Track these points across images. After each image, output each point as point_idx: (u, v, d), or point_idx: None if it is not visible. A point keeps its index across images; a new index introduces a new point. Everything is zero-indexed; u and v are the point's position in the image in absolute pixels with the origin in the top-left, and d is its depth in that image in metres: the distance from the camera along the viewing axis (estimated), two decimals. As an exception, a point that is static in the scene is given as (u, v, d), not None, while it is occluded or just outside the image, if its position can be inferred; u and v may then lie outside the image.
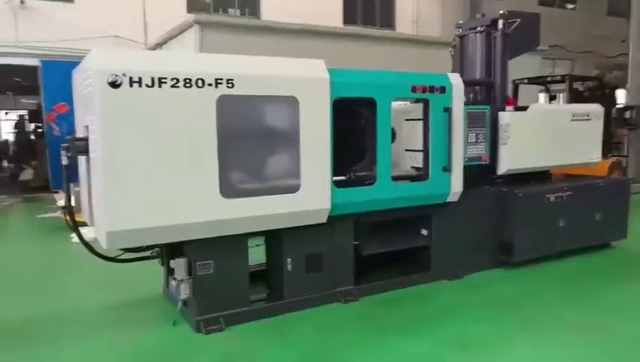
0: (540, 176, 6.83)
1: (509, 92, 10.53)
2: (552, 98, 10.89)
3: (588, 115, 6.84)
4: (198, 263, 4.34)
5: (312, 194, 4.53)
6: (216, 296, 4.43)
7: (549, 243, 6.24)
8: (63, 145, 4.21)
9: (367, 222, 5.29)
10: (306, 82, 4.40)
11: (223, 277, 4.44)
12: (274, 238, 4.87)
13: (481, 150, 5.67)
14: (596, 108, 6.99)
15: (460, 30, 6.77)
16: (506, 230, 6.03)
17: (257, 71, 4.21)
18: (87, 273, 5.82)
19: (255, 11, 16.34)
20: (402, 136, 5.83)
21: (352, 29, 14.02)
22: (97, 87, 3.61)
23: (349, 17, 17.89)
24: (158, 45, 12.11)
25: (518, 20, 6.36)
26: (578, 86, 11.40)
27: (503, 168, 6.17)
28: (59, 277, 6.00)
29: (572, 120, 6.67)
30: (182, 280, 4.36)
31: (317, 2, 16.74)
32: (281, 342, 4.24)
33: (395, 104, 5.75)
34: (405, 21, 19.13)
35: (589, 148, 6.90)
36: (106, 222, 3.74)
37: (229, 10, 16.11)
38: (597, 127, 6.97)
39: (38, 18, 13.39)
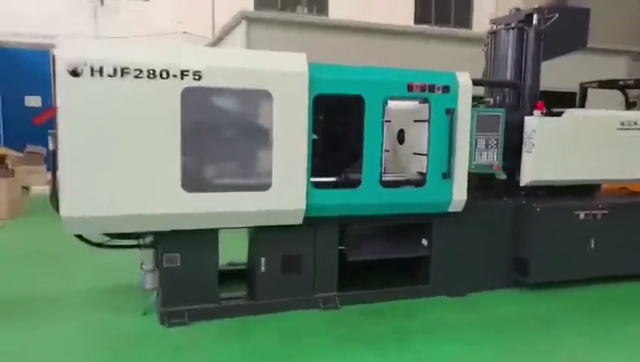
0: (584, 190, 6.11)
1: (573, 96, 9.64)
2: (630, 105, 9.77)
3: (641, 124, 6.00)
4: (164, 255, 4.33)
5: (285, 193, 4.34)
6: (182, 289, 4.40)
7: (576, 267, 5.54)
8: (50, 131, 4.38)
9: (357, 226, 5.03)
10: (281, 76, 4.22)
11: (190, 271, 4.40)
12: (252, 237, 4.76)
13: (492, 157, 5.15)
14: (652, 117, 6.10)
15: (495, 26, 6.22)
16: (522, 247, 5.44)
17: (227, 63, 4.11)
18: (92, 257, 5.94)
19: (323, 9, 16.31)
20: (411, 139, 5.47)
21: (413, 27, 13.45)
22: (58, 76, 3.70)
23: (421, 16, 17.30)
24: (218, 40, 12.44)
25: (556, 16, 5.72)
26: (662, 92, 10.12)
27: (526, 179, 5.58)
28: (63, 260, 6.23)
29: (620, 128, 5.88)
30: (149, 270, 4.39)
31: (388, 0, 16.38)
32: (238, 342, 4.11)
33: (404, 104, 5.45)
34: (483, 20, 18.09)
35: (638, 160, 6.04)
36: (62, 208, 3.83)
37: (298, 7, 16.20)
38: (653, 138, 6.09)
39: (115, 15, 14.30)
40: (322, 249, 4.81)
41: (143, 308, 4.58)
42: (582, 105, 9.65)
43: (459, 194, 4.97)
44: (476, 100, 6.30)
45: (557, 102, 9.68)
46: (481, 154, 5.10)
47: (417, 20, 17.04)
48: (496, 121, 5.12)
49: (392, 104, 5.80)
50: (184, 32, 14.79)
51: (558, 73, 12.55)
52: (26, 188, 10.29)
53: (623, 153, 5.90)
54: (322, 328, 4.43)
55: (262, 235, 4.61)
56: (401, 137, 5.65)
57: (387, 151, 5.90)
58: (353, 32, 10.67)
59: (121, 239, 4.70)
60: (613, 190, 7.21)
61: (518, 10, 6.03)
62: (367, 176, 4.64)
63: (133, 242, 4.61)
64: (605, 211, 5.59)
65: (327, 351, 4.02)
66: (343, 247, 4.96)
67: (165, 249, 4.34)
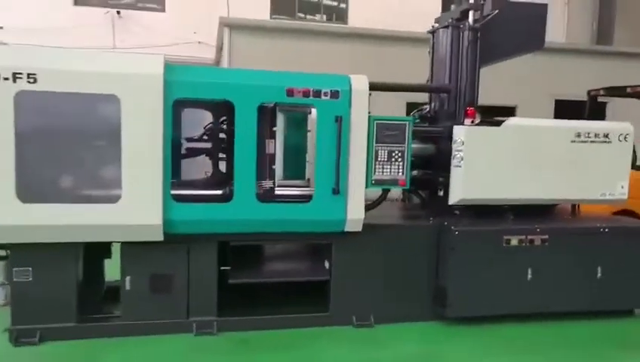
0: (542, 210, 5.32)
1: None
2: (651, 115, 8.59)
3: (606, 136, 5.12)
4: (14, 269, 4.10)
5: (137, 206, 3.98)
6: (35, 306, 4.14)
7: (508, 300, 4.75)
8: None
9: (241, 245, 4.58)
10: (131, 80, 3.88)
11: (44, 287, 4.13)
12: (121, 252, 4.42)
13: (396, 171, 4.52)
14: (621, 128, 5.20)
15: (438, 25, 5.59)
16: (441, 275, 4.75)
17: (68, 66, 3.82)
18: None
19: (343, 17, 15.89)
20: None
21: (412, 32, 12.47)
22: None
23: (447, 22, 16.41)
24: (219, 49, 12.40)
25: (495, 12, 5.01)
26: (686, 101, 8.84)
27: (455, 196, 4.91)
28: None
29: (574, 141, 5.05)
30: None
31: (411, 8, 15.66)
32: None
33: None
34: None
35: (604, 179, 5.16)
36: None
37: (317, 15, 15.92)
38: (622, 152, 5.18)
39: (133, 26, 14.63)
40: (197, 269, 4.39)
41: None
42: (591, 116, 8.63)
43: (354, 212, 4.39)
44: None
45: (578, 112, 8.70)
46: (382, 168, 4.49)
47: (442, 26, 16.16)
48: (402, 131, 4.49)
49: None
50: (199, 42, 14.89)
51: (583, 81, 11.41)
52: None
53: (577, 168, 5.06)
54: (178, 357, 4.02)
55: (127, 251, 4.28)
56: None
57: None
58: (341, 38, 10.23)
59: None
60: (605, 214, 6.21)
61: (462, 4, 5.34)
62: (239, 189, 4.20)
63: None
64: (545, 237, 4.77)
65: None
66: (227, 267, 4.53)
67: (15, 262, 4.11)
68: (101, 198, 3.98)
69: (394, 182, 4.53)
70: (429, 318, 4.81)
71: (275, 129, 4.45)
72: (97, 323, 4.35)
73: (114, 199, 3.96)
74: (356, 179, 4.37)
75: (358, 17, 15.41)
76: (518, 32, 5.26)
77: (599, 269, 4.91)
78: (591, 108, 8.71)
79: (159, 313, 4.36)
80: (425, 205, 5.64)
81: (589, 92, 8.72)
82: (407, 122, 4.51)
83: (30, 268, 4.11)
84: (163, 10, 14.91)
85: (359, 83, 4.33)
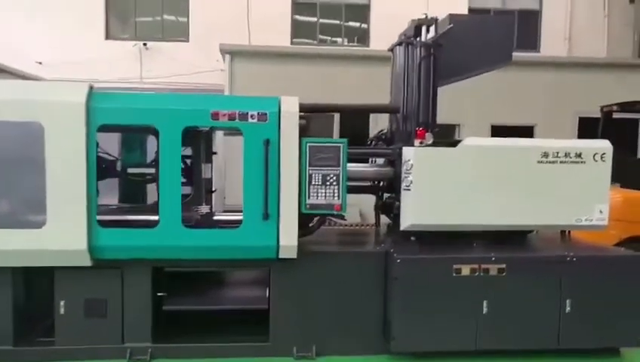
0: (513, 237, 4.93)
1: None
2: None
3: (578, 156, 4.70)
4: (-50, 293, 4.23)
5: (62, 232, 4.01)
6: (-28, 329, 4.25)
7: (462, 336, 4.37)
8: None
9: (183, 271, 4.52)
10: (53, 107, 3.96)
11: (-21, 311, 4.24)
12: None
13: (331, 195, 4.32)
14: (597, 146, 4.76)
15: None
16: (387, 307, 4.47)
17: (-8, 95, 3.96)
18: None
19: (364, 39, 15.82)
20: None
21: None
22: None
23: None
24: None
25: (450, 26, 4.75)
26: None
27: (406, 222, 4.64)
28: None
29: (541, 161, 4.66)
30: (-61, 307, 4.30)
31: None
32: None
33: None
34: (554, 39, 16.20)
35: (578, 203, 4.72)
36: None
37: (338, 39, 15.94)
38: (599, 173, 4.73)
39: (159, 57, 15.19)
40: (131, 294, 4.36)
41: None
42: (604, 133, 8.08)
43: (287, 238, 4.22)
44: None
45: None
46: (316, 192, 4.31)
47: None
48: (336, 153, 4.31)
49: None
50: (222, 70, 15.21)
51: (610, 96, 10.73)
52: None
53: (548, 192, 4.66)
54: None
55: (61, 276, 4.31)
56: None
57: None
58: (341, 61, 10.13)
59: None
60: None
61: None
62: (164, 215, 4.14)
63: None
64: (502, 266, 4.39)
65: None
66: (163, 294, 4.48)
67: (-49, 286, 4.23)
68: (27, 224, 4.04)
69: (329, 207, 4.33)
70: (378, 352, 4.52)
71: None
72: (33, 347, 4.38)
73: (39, 224, 4.01)
74: (288, 204, 4.21)
75: (381, 39, 15.30)
76: (483, 47, 4.97)
77: (568, 302, 4.45)
78: (605, 124, 8.15)
79: (94, 338, 4.34)
80: (389, 231, 5.40)
81: (601, 108, 8.17)
82: (341, 144, 4.32)
83: (-34, 292, 4.23)
84: (187, 40, 15.41)
85: (289, 105, 4.21)
